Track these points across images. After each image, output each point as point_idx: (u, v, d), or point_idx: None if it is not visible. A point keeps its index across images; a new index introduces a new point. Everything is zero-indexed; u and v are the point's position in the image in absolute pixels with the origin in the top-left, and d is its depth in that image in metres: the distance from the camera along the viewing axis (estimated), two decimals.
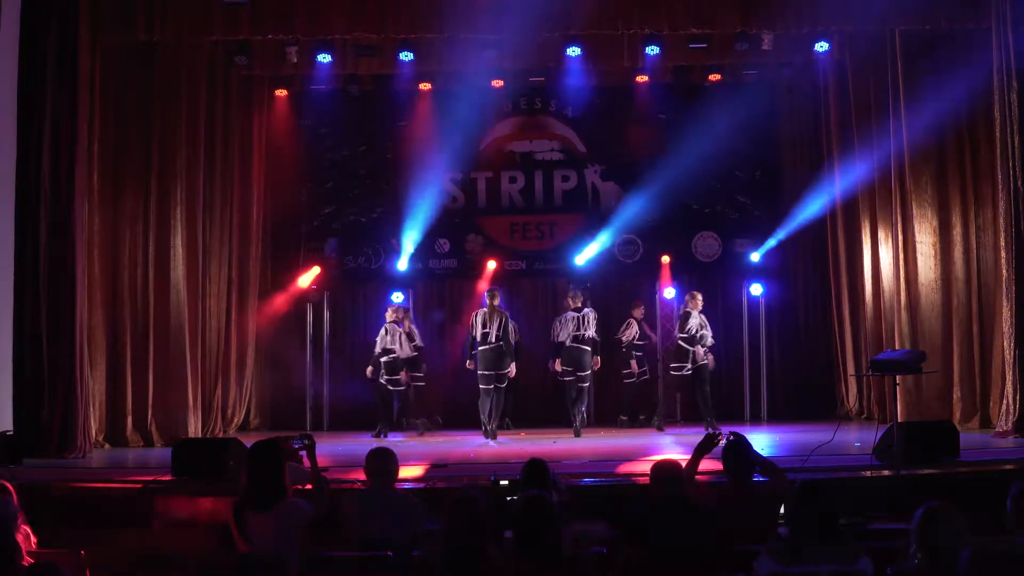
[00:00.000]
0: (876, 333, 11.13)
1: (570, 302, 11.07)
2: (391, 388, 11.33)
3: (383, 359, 11.30)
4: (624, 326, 12.01)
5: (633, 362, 11.84)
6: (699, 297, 11.03)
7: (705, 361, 10.80)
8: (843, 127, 11.76)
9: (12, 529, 3.58)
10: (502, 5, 9.75)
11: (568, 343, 10.92)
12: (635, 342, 11.96)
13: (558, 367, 11.07)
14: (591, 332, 10.88)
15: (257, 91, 12.34)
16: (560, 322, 11.37)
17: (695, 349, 10.75)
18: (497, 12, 9.75)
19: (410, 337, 11.54)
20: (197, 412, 10.71)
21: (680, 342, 10.91)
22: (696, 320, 10.85)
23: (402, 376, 11.35)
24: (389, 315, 11.46)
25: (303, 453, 5.23)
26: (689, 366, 10.80)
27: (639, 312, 12.03)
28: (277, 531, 4.62)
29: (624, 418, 11.82)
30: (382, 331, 11.38)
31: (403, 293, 12.71)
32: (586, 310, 10.94)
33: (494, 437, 10.39)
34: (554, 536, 3.75)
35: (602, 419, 12.17)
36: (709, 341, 10.90)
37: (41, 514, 5.21)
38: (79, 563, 4.25)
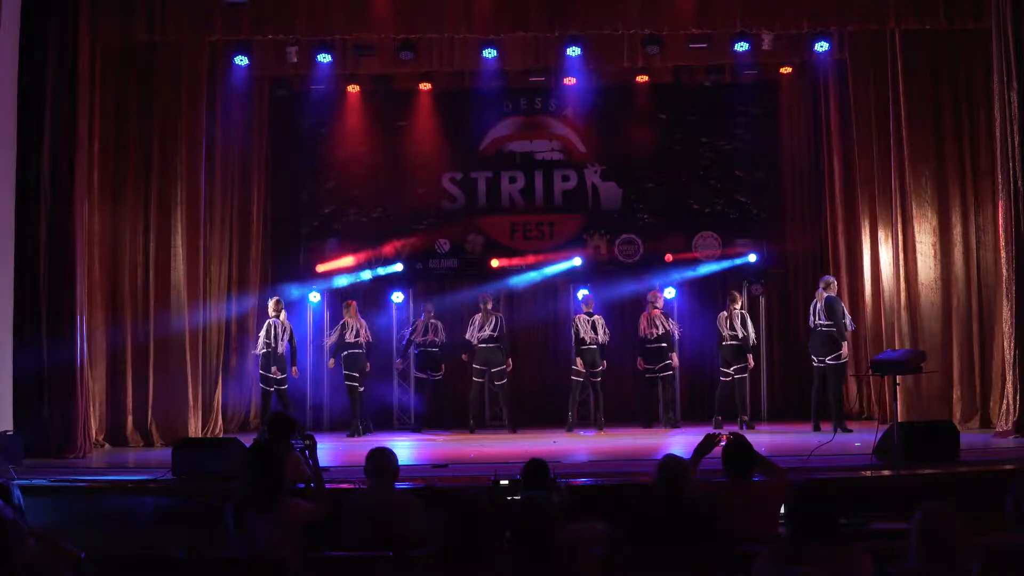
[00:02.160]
0: (876, 333, 11.13)
1: (583, 307, 11.54)
2: (280, 388, 11.02)
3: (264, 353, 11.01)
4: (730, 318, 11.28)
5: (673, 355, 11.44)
6: (835, 281, 10.87)
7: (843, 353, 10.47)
8: (843, 127, 11.77)
9: (13, 529, 3.57)
10: (502, 5, 9.76)
11: (581, 345, 11.36)
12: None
13: (580, 367, 11.35)
14: (601, 335, 11.32)
15: (257, 91, 12.34)
16: (575, 324, 11.54)
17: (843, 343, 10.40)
18: (497, 12, 9.76)
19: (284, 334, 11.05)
20: (197, 412, 10.70)
21: (827, 329, 10.39)
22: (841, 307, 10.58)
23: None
24: (270, 309, 11.07)
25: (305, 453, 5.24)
26: (844, 355, 10.46)
27: (738, 304, 11.31)
28: (277, 531, 4.62)
29: (719, 418, 11.08)
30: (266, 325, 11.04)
31: (403, 293, 12.73)
32: (596, 315, 11.42)
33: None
34: (551, 536, 3.75)
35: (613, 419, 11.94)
36: (849, 326, 10.65)
37: (41, 514, 5.21)
38: (79, 563, 4.24)
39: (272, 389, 10.90)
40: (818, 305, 10.55)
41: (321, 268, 12.68)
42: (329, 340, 11.71)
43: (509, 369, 11.45)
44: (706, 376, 11.93)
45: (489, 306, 11.47)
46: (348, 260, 12.76)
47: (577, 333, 11.38)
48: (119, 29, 9.74)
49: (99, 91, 9.97)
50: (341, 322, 11.41)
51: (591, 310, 11.43)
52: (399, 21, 9.91)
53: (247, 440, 7.68)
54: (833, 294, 10.56)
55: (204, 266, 11.05)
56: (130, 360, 10.33)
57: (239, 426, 11.81)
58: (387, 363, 12.33)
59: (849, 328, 10.68)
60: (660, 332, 11.42)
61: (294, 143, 12.85)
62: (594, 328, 11.34)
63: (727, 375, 11.22)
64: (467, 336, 11.48)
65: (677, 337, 11.67)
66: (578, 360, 11.33)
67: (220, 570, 4.51)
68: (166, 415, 10.39)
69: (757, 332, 11.84)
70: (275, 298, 11.23)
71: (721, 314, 11.38)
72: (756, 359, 11.88)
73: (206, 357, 11.10)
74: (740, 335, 11.15)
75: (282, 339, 10.93)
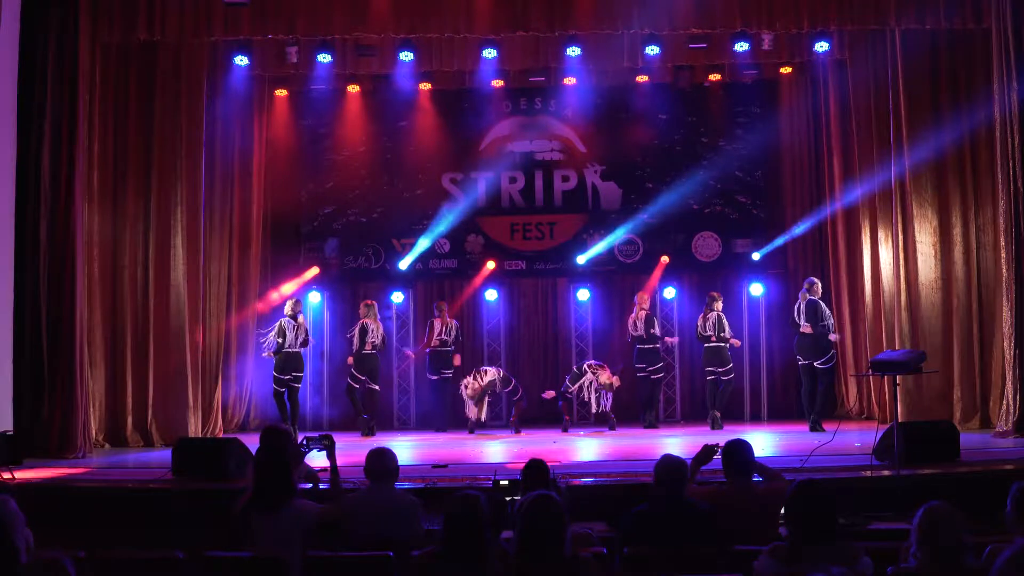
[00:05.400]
0: (876, 333, 11.12)
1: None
2: (293, 386, 10.97)
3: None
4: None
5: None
6: (819, 284, 10.90)
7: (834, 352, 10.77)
8: (843, 127, 11.78)
9: (13, 530, 3.57)
10: (502, 5, 9.76)
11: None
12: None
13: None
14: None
15: (257, 91, 12.34)
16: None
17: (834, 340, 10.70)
18: (497, 12, 9.76)
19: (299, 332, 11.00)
20: (197, 412, 10.69)
21: (809, 332, 10.52)
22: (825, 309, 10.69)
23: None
24: (287, 309, 11.04)
25: (314, 451, 5.26)
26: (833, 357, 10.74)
27: (718, 305, 11.46)
28: (282, 532, 4.62)
29: (718, 414, 11.26)
30: (279, 325, 10.98)
31: (403, 293, 12.73)
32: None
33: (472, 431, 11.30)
34: (559, 536, 3.75)
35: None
36: (831, 329, 10.75)
37: (41, 514, 5.20)
38: (78, 564, 4.24)
39: (283, 390, 10.91)
40: (800, 307, 10.62)
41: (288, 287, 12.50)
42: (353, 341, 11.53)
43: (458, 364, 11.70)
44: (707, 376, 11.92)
45: (445, 314, 11.72)
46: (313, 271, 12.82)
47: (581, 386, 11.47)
48: (119, 29, 9.73)
49: (99, 92, 9.97)
50: (360, 323, 11.37)
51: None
52: (399, 21, 9.91)
53: (247, 440, 7.69)
54: (815, 297, 10.62)
55: (204, 266, 11.04)
56: (130, 360, 10.32)
57: (239, 426, 11.82)
58: (387, 364, 12.34)
59: (831, 331, 10.67)
60: (648, 333, 11.44)
61: (294, 143, 12.86)
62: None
63: (712, 374, 11.31)
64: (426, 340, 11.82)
65: (662, 336, 11.77)
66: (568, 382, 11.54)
67: (220, 570, 4.51)
68: (166, 415, 10.38)
69: (758, 332, 11.86)
70: (294, 299, 11.28)
71: (700, 316, 11.45)
72: (756, 359, 11.90)
73: (206, 357, 11.11)
74: (718, 336, 11.21)
75: (298, 339, 10.93)
